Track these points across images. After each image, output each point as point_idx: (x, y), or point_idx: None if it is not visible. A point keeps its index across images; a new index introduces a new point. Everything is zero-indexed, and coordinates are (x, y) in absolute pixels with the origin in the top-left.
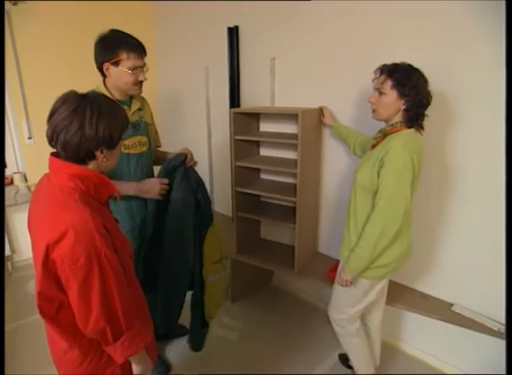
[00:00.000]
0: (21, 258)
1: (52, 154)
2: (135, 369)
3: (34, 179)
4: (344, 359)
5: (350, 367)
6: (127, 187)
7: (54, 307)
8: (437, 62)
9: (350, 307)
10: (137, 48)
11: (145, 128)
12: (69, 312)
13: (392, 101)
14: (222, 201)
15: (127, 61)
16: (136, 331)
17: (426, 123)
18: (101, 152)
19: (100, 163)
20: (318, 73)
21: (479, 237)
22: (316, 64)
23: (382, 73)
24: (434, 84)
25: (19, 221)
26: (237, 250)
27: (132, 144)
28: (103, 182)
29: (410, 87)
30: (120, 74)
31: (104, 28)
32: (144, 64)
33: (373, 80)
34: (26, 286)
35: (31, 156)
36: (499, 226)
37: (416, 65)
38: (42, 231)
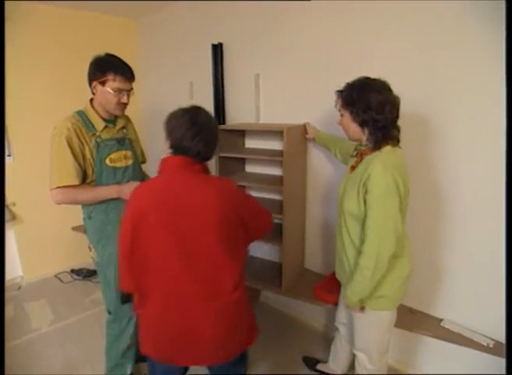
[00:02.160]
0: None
1: (177, 155)
2: None
3: (13, 197)
4: (311, 363)
5: (316, 370)
6: (107, 189)
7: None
8: (426, 74)
9: (379, 344)
10: (125, 72)
11: (130, 144)
12: (242, 290)
13: (348, 122)
14: None
15: (113, 82)
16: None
17: (418, 136)
18: None
19: None
20: (303, 88)
21: (468, 252)
22: (300, 80)
23: (336, 95)
24: (416, 100)
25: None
26: None
27: (117, 158)
28: (208, 171)
29: (352, 103)
30: (105, 94)
31: (88, 43)
32: (131, 89)
33: None
34: (5, 309)
35: (11, 174)
36: (485, 241)
37: (404, 77)
38: (211, 198)
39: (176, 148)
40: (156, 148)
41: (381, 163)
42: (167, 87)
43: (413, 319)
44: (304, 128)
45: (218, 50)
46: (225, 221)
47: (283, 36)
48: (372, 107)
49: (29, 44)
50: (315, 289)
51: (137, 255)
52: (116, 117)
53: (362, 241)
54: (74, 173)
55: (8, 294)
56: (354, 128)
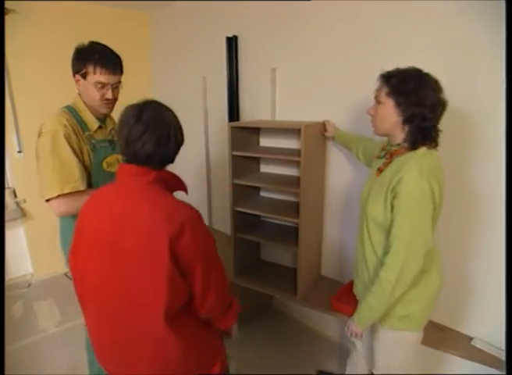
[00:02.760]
0: (10, 276)
1: (124, 162)
2: (234, 329)
3: (23, 194)
4: None
5: None
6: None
7: (178, 306)
8: (457, 71)
9: (402, 367)
10: (107, 63)
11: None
12: (186, 313)
13: (389, 112)
14: (221, 219)
15: (93, 75)
16: (235, 298)
17: (444, 139)
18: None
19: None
20: (322, 84)
21: (503, 265)
22: (319, 74)
23: (380, 80)
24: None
25: (8, 238)
26: (235, 273)
27: (113, 162)
28: (175, 180)
29: (407, 93)
30: (86, 88)
31: (99, 38)
32: (118, 82)
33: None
34: (12, 308)
35: (21, 171)
36: None
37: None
38: (154, 230)
39: (122, 152)
40: None
41: (416, 166)
42: (179, 82)
43: (440, 337)
44: (322, 126)
45: (232, 43)
46: (164, 256)
47: (302, 28)
48: (426, 104)
49: (38, 39)
50: (331, 299)
51: (78, 265)
52: (106, 116)
53: (386, 252)
54: (79, 175)
55: (18, 292)
56: (393, 121)
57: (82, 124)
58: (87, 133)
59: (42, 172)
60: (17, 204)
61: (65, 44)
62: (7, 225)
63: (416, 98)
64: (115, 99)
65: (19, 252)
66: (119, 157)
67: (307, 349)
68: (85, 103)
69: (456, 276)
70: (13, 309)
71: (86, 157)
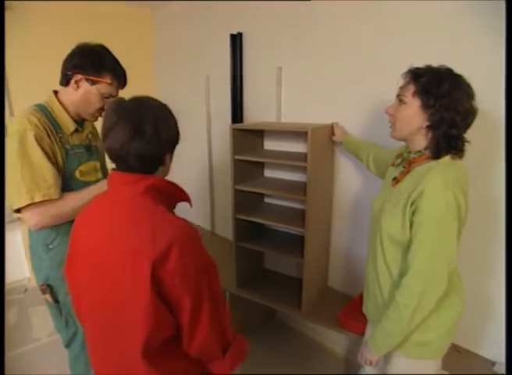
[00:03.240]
0: (6, 281)
1: (113, 169)
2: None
3: None
4: None
5: None
6: (97, 187)
7: (160, 340)
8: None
9: None
10: (122, 77)
11: (97, 152)
12: (171, 349)
13: (413, 114)
14: (223, 225)
15: (108, 86)
16: (239, 340)
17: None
18: (169, 157)
19: (165, 169)
20: (331, 84)
21: None
22: (328, 74)
23: (406, 77)
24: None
25: (6, 242)
26: (237, 283)
27: (88, 171)
28: (177, 191)
29: (438, 96)
30: (90, 95)
31: (103, 35)
32: (117, 95)
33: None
34: (7, 313)
35: None
36: None
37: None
38: (136, 252)
39: (109, 157)
40: None
41: (440, 177)
42: (182, 82)
43: (458, 360)
44: (331, 129)
45: (237, 40)
46: (145, 282)
47: (310, 25)
48: (459, 110)
49: (38, 38)
50: (339, 315)
51: (75, 284)
52: (84, 120)
53: (402, 273)
54: (52, 181)
55: (14, 297)
56: (416, 125)
57: (55, 126)
58: (59, 136)
59: (9, 179)
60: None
61: (66, 43)
62: (5, 228)
63: (449, 103)
64: None
65: (15, 256)
66: (97, 165)
67: (311, 364)
68: (61, 103)
69: (476, 295)
70: (9, 313)
71: (60, 162)
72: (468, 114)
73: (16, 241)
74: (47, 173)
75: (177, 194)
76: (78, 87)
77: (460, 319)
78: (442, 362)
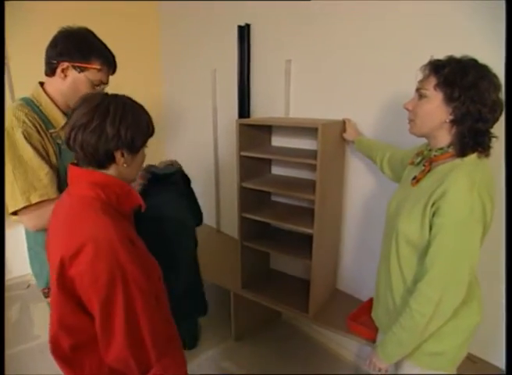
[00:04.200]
0: (9, 276)
1: (71, 163)
2: None
3: None
4: None
5: None
6: None
7: (71, 342)
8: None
9: None
10: (112, 62)
11: None
12: (88, 353)
13: (435, 108)
14: (229, 223)
15: (97, 73)
16: (168, 362)
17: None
18: (122, 155)
19: (120, 169)
20: (342, 77)
21: None
22: (339, 67)
23: (426, 69)
24: None
25: (8, 237)
26: (242, 284)
27: None
28: (126, 191)
29: (463, 87)
30: (80, 83)
31: (109, 30)
32: (108, 82)
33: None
34: (9, 310)
35: None
36: None
37: None
38: (55, 246)
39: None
40: (177, 144)
41: (465, 177)
42: (189, 75)
43: (473, 370)
44: (342, 125)
45: (244, 32)
46: (53, 280)
47: (320, 16)
48: (487, 102)
49: (42, 35)
50: (348, 320)
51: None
52: None
53: (417, 278)
54: (48, 180)
55: (16, 293)
56: (439, 120)
57: (44, 120)
58: (51, 132)
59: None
60: None
61: None
62: (7, 224)
63: (476, 94)
64: None
65: (18, 252)
66: None
67: (317, 368)
68: (49, 94)
69: (493, 301)
70: (12, 309)
71: (53, 159)
72: (496, 107)
73: (20, 236)
74: (41, 171)
75: (126, 195)
76: (65, 75)
77: (477, 329)
78: (456, 372)
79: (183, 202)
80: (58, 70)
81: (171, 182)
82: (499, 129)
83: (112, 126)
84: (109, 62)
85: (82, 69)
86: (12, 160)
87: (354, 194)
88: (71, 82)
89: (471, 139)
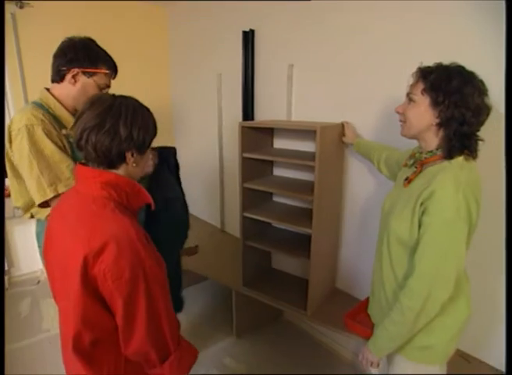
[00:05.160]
0: (19, 272)
1: (80, 163)
2: None
3: None
4: None
5: None
6: None
7: (92, 338)
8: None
9: None
10: (115, 67)
11: None
12: (107, 348)
13: (423, 112)
14: (233, 223)
15: (104, 77)
16: (183, 349)
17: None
18: (132, 156)
19: (130, 168)
20: (342, 82)
21: None
22: (340, 72)
23: (416, 75)
24: None
25: (18, 234)
26: (243, 282)
27: None
28: (135, 190)
29: (447, 92)
30: (89, 86)
31: (119, 33)
32: (110, 86)
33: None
34: (19, 305)
35: None
36: None
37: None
38: (75, 245)
39: (74, 145)
40: (184, 145)
41: (451, 179)
42: (195, 79)
43: (466, 369)
44: (341, 128)
45: (249, 37)
46: (76, 279)
47: (322, 23)
48: (470, 106)
49: (56, 33)
50: (345, 318)
51: (48, 270)
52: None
53: (408, 274)
54: (69, 173)
55: (26, 289)
56: (426, 123)
57: (57, 121)
58: (63, 133)
59: (28, 177)
60: None
61: None
62: (17, 221)
63: (459, 99)
64: None
65: (29, 249)
66: None
67: (316, 366)
68: (57, 98)
69: (487, 302)
70: (22, 305)
71: (70, 156)
72: (480, 110)
73: (30, 233)
74: (62, 165)
75: (136, 194)
76: (76, 81)
77: (471, 328)
78: (451, 371)
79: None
80: (68, 76)
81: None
82: (495, 133)
83: (125, 127)
84: (113, 67)
85: (91, 74)
86: (36, 156)
87: (353, 195)
88: (81, 87)
89: (457, 142)
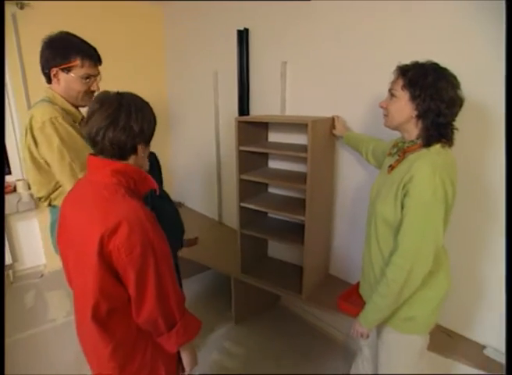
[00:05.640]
0: (23, 267)
1: (90, 154)
2: (185, 359)
3: None
4: None
5: None
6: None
7: (107, 307)
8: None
9: (406, 373)
10: (93, 55)
11: None
12: (120, 317)
13: (403, 106)
14: (230, 215)
15: (81, 68)
16: (188, 319)
17: (458, 136)
18: (141, 147)
19: (139, 159)
20: (333, 78)
21: None
22: (331, 69)
23: (396, 73)
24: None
25: (21, 229)
26: (242, 269)
27: None
28: (142, 177)
29: (423, 87)
30: (71, 82)
31: (114, 32)
32: (98, 73)
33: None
34: (24, 297)
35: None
36: None
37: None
38: (92, 227)
39: (87, 142)
40: (181, 140)
41: (429, 164)
42: (192, 76)
43: (449, 344)
44: (332, 121)
45: (243, 36)
46: (94, 254)
47: (313, 22)
48: (444, 99)
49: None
50: (338, 299)
51: (61, 254)
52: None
53: (393, 252)
54: None
55: (30, 282)
56: (407, 115)
57: (68, 115)
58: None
59: (59, 166)
60: (31, 196)
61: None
62: (21, 216)
63: (434, 93)
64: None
65: (32, 243)
66: None
67: (312, 348)
68: (61, 95)
69: (469, 280)
70: (27, 297)
71: None
72: (454, 102)
73: (33, 228)
74: (87, 151)
75: (143, 180)
76: (58, 79)
77: (453, 304)
78: (435, 346)
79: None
80: (52, 77)
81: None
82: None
83: (136, 123)
84: (89, 55)
85: (68, 70)
86: (66, 145)
87: (344, 184)
88: (64, 83)
89: (434, 131)
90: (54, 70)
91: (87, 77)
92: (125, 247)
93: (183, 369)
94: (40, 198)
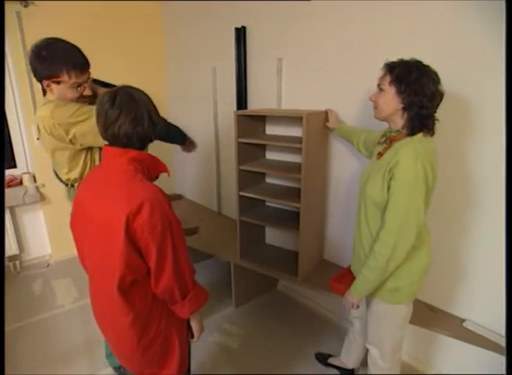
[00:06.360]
0: (30, 257)
1: (105, 145)
2: (195, 326)
3: (42, 179)
4: (322, 358)
5: (329, 365)
6: None
7: (131, 278)
8: (456, 61)
9: (392, 339)
10: (77, 64)
11: None
12: (139, 288)
13: (390, 99)
14: (229, 205)
15: (69, 80)
16: (198, 289)
17: (441, 127)
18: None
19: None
20: (327, 73)
21: (495, 247)
22: (324, 65)
23: (383, 69)
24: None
25: (27, 221)
26: (240, 255)
27: None
28: (155, 162)
29: (408, 83)
30: (63, 91)
31: (114, 30)
32: (88, 77)
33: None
34: (31, 285)
35: (40, 157)
36: None
37: (433, 64)
38: (117, 209)
39: (103, 137)
40: None
41: (412, 150)
42: (191, 72)
43: (432, 318)
44: (325, 115)
45: (241, 33)
46: (121, 232)
47: (308, 20)
48: (426, 93)
49: (54, 30)
50: (331, 281)
51: (76, 237)
52: None
53: (380, 229)
54: None
55: (37, 271)
56: (394, 108)
57: None
58: None
59: (92, 137)
60: (37, 188)
61: (81, 36)
62: (27, 208)
63: (418, 88)
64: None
65: (38, 234)
66: None
67: (306, 328)
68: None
69: (450, 259)
70: (33, 286)
71: None
72: (435, 96)
73: (39, 220)
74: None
75: (156, 166)
76: (51, 89)
77: (435, 281)
78: (419, 320)
79: None
80: (45, 87)
81: None
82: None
83: (148, 115)
84: (74, 66)
85: (57, 82)
86: (91, 130)
87: (337, 173)
88: (58, 93)
89: (417, 122)
90: (45, 82)
91: (78, 85)
92: (148, 225)
93: (192, 336)
94: (68, 180)
